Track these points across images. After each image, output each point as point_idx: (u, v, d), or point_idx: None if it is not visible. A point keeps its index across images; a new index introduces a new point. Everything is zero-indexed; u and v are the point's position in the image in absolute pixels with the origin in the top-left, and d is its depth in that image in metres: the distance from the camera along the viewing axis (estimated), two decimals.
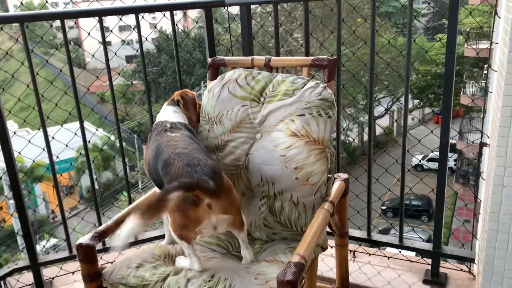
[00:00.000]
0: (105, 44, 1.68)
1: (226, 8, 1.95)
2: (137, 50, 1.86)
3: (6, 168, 1.74)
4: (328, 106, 1.46)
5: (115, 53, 2.15)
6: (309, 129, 1.44)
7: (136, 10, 1.74)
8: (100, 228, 1.40)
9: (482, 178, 1.69)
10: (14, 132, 1.90)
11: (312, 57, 1.58)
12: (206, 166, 1.21)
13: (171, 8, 1.81)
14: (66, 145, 1.96)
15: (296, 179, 1.43)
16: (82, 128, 1.88)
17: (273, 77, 1.59)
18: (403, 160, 1.85)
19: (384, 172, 2.16)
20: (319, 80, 1.53)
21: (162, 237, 2.12)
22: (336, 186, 1.54)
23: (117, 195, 14.62)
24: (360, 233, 2.03)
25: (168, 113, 1.50)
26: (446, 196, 1.76)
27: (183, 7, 1.95)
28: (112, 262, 2.12)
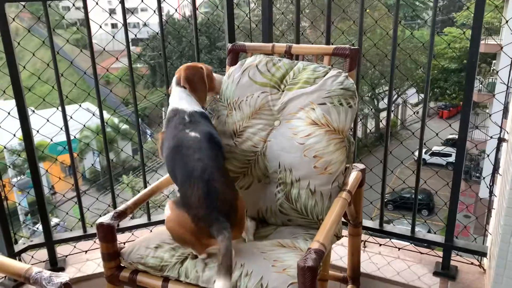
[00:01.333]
0: (126, 25, 1.67)
1: None
2: (157, 33, 1.84)
3: (25, 146, 1.75)
4: (349, 96, 1.46)
5: (133, 34, 2.13)
6: (329, 118, 1.44)
7: None
8: (120, 208, 1.41)
9: (499, 174, 1.70)
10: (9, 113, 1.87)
11: (334, 46, 1.57)
12: (225, 203, 1.23)
13: None
14: (84, 126, 1.96)
15: (314, 167, 1.43)
16: (101, 110, 1.88)
17: (294, 64, 1.58)
18: (419, 154, 1.85)
19: (399, 164, 2.16)
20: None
21: None
22: (353, 176, 1.54)
23: (119, 178, 14.69)
24: (372, 223, 2.04)
25: (182, 99, 1.46)
26: (446, 191, 1.77)
27: None
28: (124, 243, 2.16)
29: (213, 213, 1.20)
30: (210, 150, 1.31)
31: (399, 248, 2.10)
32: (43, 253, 2.07)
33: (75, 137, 1.99)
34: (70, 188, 2.15)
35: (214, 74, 1.60)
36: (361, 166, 1.64)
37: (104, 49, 1.98)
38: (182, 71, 1.52)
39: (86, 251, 2.13)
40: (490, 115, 1.78)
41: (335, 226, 1.29)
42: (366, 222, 2.04)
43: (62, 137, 2.10)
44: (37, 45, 2.06)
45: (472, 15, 1.51)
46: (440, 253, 1.95)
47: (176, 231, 1.26)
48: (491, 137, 1.70)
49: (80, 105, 2.01)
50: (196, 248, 1.26)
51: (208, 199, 1.20)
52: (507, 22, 1.57)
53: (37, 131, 1.84)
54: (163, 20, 1.88)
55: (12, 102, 1.73)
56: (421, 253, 2.05)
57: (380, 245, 2.14)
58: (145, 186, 1.99)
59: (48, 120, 1.89)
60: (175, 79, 1.52)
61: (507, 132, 1.62)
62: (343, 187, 1.45)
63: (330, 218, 1.28)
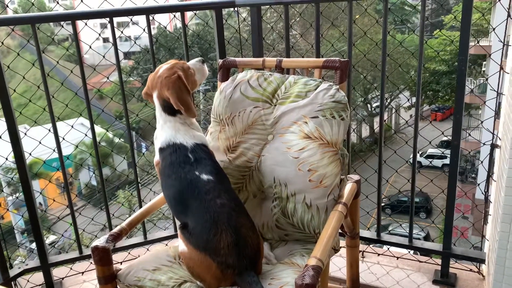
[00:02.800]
0: (115, 45, 1.67)
1: (236, 9, 1.95)
2: (147, 51, 1.85)
3: (17, 167, 1.74)
4: (341, 108, 1.46)
5: (125, 48, 2.13)
6: (322, 131, 1.44)
7: (148, 11, 1.74)
8: (115, 230, 1.40)
9: (493, 180, 1.70)
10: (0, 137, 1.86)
11: (324, 59, 1.57)
12: (252, 249, 1.23)
13: (182, 9, 1.80)
14: (77, 146, 1.94)
15: (309, 181, 1.43)
16: (92, 125, 1.87)
17: (285, 78, 1.59)
18: (414, 160, 1.85)
19: (393, 174, 2.16)
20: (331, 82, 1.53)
21: (170, 237, 2.13)
22: (349, 188, 1.54)
23: (115, 192, 14.60)
24: (370, 234, 2.04)
25: (178, 130, 1.36)
26: (443, 193, 1.77)
27: (194, 8, 1.95)
28: (121, 263, 2.14)
29: (242, 261, 1.19)
30: (229, 193, 1.30)
31: (397, 257, 2.09)
32: (39, 276, 2.04)
33: (68, 158, 1.98)
34: (66, 205, 2.13)
35: (188, 63, 1.47)
36: (356, 177, 1.64)
37: (94, 69, 1.97)
38: (162, 87, 1.36)
39: (82, 273, 2.11)
40: (481, 122, 1.79)
41: (332, 240, 1.28)
42: (363, 232, 2.03)
43: (55, 155, 2.09)
44: (30, 61, 2.06)
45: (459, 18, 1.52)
46: (439, 261, 1.94)
47: (196, 271, 1.24)
48: (484, 143, 1.71)
49: (72, 126, 2.00)
50: (211, 285, 1.25)
51: (237, 247, 1.19)
52: (493, 29, 1.58)
53: (30, 154, 1.83)
54: (156, 31, 1.88)
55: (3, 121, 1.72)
56: (420, 261, 2.04)
57: (379, 254, 2.13)
58: (140, 206, 1.98)
59: (40, 142, 1.88)
60: (158, 104, 1.37)
61: (500, 138, 1.63)
62: (338, 199, 1.45)
63: (326, 233, 1.27)
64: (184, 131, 1.37)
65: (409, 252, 2.06)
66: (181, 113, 1.36)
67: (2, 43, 1.67)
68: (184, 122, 1.38)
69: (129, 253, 2.16)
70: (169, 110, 1.37)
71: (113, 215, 2.07)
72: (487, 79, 1.79)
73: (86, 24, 1.73)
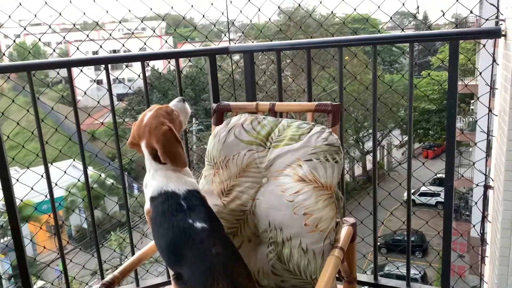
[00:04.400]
0: (110, 91, 1.70)
1: (229, 55, 2.00)
2: (142, 96, 1.87)
3: (7, 213, 1.71)
4: (334, 151, 1.47)
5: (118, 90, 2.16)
6: (316, 174, 1.45)
7: (143, 58, 1.77)
8: (107, 279, 1.37)
9: (488, 221, 1.70)
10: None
11: (316, 103, 1.60)
12: None
13: (177, 55, 1.84)
14: (69, 192, 1.92)
15: (305, 225, 1.42)
16: (85, 167, 1.86)
17: (279, 122, 1.61)
18: (408, 201, 1.86)
19: (388, 215, 2.15)
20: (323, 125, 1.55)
21: (162, 284, 2.07)
22: (345, 232, 1.53)
23: (106, 235, 14.32)
24: (367, 277, 2.00)
25: (169, 178, 1.35)
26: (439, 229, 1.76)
27: (189, 54, 1.99)
28: None
29: None
30: (224, 241, 1.28)
31: None
32: None
33: (60, 203, 1.96)
34: (56, 248, 2.09)
35: (171, 105, 1.46)
36: (352, 220, 1.63)
37: (89, 114, 1.99)
38: (151, 138, 1.35)
39: None
40: (474, 163, 1.82)
41: (330, 286, 1.26)
42: (360, 276, 2.00)
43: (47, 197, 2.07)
44: (22, 103, 2.07)
45: (447, 58, 1.57)
46: None
47: None
48: (477, 185, 1.72)
49: (65, 172, 1.99)
50: None
51: None
52: (480, 74, 1.63)
53: (21, 200, 1.81)
54: (150, 73, 1.91)
55: None
56: None
57: None
58: (133, 253, 1.94)
59: (32, 188, 1.86)
60: (147, 153, 1.36)
61: (492, 179, 1.65)
62: (335, 243, 1.44)
63: (324, 279, 1.26)
64: (175, 178, 1.35)
65: None
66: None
67: None
68: (175, 169, 1.37)
69: None
70: (159, 159, 1.35)
71: (104, 261, 2.02)
72: (476, 121, 1.83)
73: (81, 70, 1.76)
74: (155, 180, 1.36)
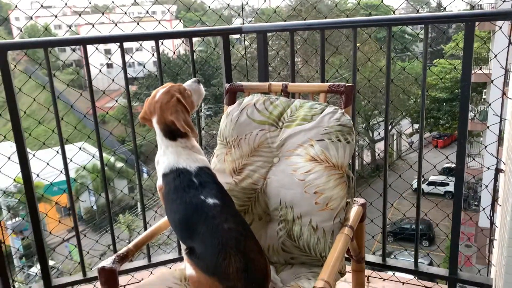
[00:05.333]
0: (125, 69, 1.71)
1: (242, 35, 2.00)
2: (156, 75, 1.89)
3: (25, 190, 1.75)
4: (347, 132, 1.48)
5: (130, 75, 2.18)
6: (328, 154, 1.46)
7: (157, 37, 1.79)
8: (121, 251, 1.40)
9: (498, 204, 1.71)
10: (9, 158, 1.88)
11: (329, 83, 1.61)
12: (260, 272, 1.24)
13: (191, 34, 1.85)
14: (84, 168, 1.96)
15: (315, 203, 1.44)
16: (100, 148, 1.89)
17: (291, 102, 1.61)
18: (418, 185, 1.86)
19: (399, 197, 2.16)
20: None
21: (175, 260, 2.11)
22: (355, 211, 1.55)
23: (116, 217, 14.53)
24: (375, 258, 2.03)
25: (180, 155, 1.37)
26: (446, 220, 1.77)
27: (203, 34, 2.00)
28: (124, 286, 2.12)
29: (250, 285, 1.20)
30: (235, 217, 1.30)
31: (403, 283, 2.07)
32: None
33: (75, 180, 2.00)
34: (66, 229, 2.13)
35: (184, 85, 1.48)
36: (362, 200, 1.65)
37: (103, 92, 2.01)
38: (163, 112, 1.37)
39: None
40: (485, 146, 1.81)
41: (339, 263, 1.28)
42: (369, 257, 2.02)
43: (59, 177, 2.11)
44: (33, 86, 2.09)
45: (460, 47, 1.56)
46: (445, 286, 1.92)
47: None
48: (488, 168, 1.72)
49: (80, 148, 2.02)
50: None
51: (246, 272, 1.19)
52: (495, 56, 1.62)
53: (37, 175, 1.84)
54: (158, 61, 1.92)
55: (4, 144, 1.74)
56: (426, 287, 2.02)
57: (384, 280, 2.11)
58: (145, 228, 1.98)
59: (48, 164, 1.90)
60: (159, 129, 1.38)
61: (504, 163, 1.65)
62: (344, 222, 1.45)
63: (333, 255, 1.27)
64: (186, 155, 1.37)
65: (414, 277, 2.04)
66: (182, 137, 1.38)
67: (15, 66, 1.72)
68: (185, 146, 1.39)
69: (132, 276, 2.14)
70: (170, 135, 1.38)
71: (117, 237, 2.07)
72: (490, 104, 1.82)
73: (96, 48, 1.78)
74: (167, 156, 1.38)
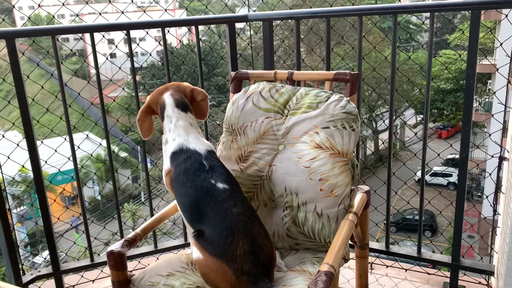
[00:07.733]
0: (132, 56, 1.73)
1: (248, 23, 2.00)
2: (162, 63, 1.90)
3: (34, 177, 1.77)
4: (352, 119, 1.49)
5: (141, 64, 2.19)
6: (333, 142, 1.47)
7: (163, 24, 1.79)
8: (130, 235, 1.43)
9: (501, 192, 1.72)
10: (18, 144, 1.90)
11: (335, 71, 1.61)
12: (267, 256, 1.26)
13: (196, 22, 1.86)
14: (91, 155, 1.98)
15: (320, 190, 1.45)
16: (107, 137, 1.91)
17: (296, 90, 1.62)
18: (422, 174, 1.88)
19: (402, 185, 2.17)
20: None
21: (181, 246, 2.14)
22: (359, 198, 1.56)
23: (120, 206, 14.65)
24: (379, 245, 2.05)
25: (189, 133, 1.41)
26: (449, 211, 1.79)
27: (208, 22, 2.00)
28: (131, 271, 2.16)
29: (257, 268, 1.22)
30: (243, 202, 1.33)
31: (406, 269, 2.10)
32: (50, 284, 2.06)
33: (82, 166, 2.02)
34: (70, 219, 2.17)
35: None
36: (366, 188, 1.66)
37: (111, 80, 2.03)
38: (180, 86, 1.48)
39: (93, 281, 2.13)
40: (490, 135, 1.82)
41: (343, 248, 1.30)
42: (372, 244, 2.04)
43: (63, 167, 2.14)
44: (36, 76, 2.11)
45: (465, 36, 1.56)
46: (447, 273, 1.95)
47: (211, 278, 1.25)
48: (492, 156, 1.73)
49: (87, 135, 2.04)
50: None
51: (253, 254, 1.22)
52: (501, 44, 1.62)
53: (45, 162, 1.87)
54: (164, 49, 1.92)
55: (11, 133, 1.76)
56: (429, 273, 2.04)
57: (387, 266, 2.14)
58: (152, 214, 2.01)
59: (56, 151, 1.92)
60: (172, 100, 1.44)
61: (508, 151, 1.66)
62: (349, 209, 1.47)
63: (338, 240, 1.29)
64: (194, 136, 1.41)
65: (417, 264, 2.06)
66: (191, 112, 1.46)
67: (23, 53, 1.73)
68: (193, 123, 1.44)
69: (139, 262, 2.17)
70: (182, 106, 1.44)
71: (124, 223, 2.10)
72: (494, 93, 1.82)
73: (103, 36, 1.79)
74: (177, 132, 1.40)
